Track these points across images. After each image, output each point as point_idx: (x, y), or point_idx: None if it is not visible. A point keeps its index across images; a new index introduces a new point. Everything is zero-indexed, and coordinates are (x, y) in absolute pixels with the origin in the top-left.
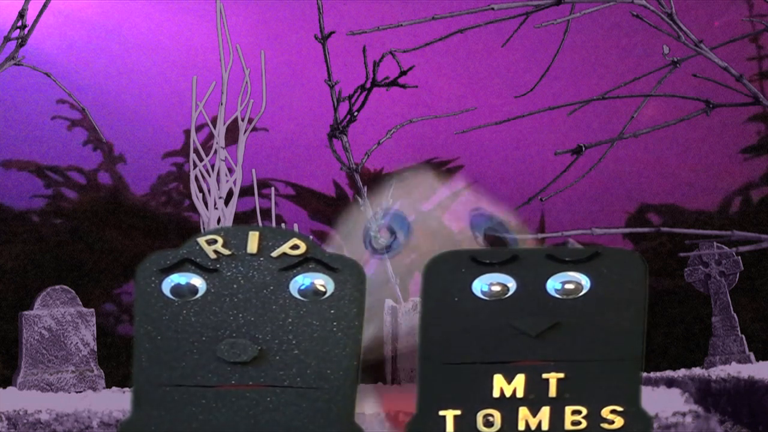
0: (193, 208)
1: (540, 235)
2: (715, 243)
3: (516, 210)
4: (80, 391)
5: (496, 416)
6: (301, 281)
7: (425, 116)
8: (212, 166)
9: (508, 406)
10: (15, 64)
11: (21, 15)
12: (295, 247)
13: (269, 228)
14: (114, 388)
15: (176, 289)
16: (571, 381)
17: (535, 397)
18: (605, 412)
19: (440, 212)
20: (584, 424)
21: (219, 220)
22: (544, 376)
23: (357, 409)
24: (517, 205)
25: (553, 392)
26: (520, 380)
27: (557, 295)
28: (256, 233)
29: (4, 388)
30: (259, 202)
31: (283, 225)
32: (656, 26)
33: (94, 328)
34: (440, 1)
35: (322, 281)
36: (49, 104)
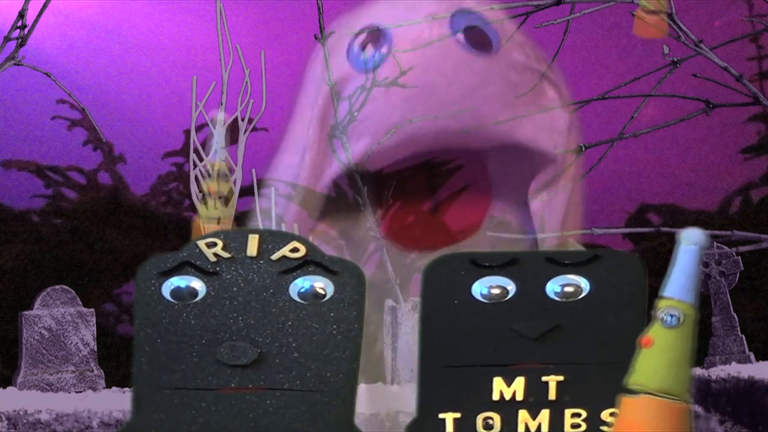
0: (193, 208)
1: (540, 236)
2: (715, 243)
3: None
4: (80, 391)
5: (496, 419)
6: (300, 284)
7: (425, 116)
8: (212, 167)
9: (508, 408)
10: (15, 64)
11: (21, 15)
12: (294, 250)
13: (269, 231)
14: (114, 388)
15: (176, 292)
16: (571, 384)
17: (534, 400)
18: (605, 414)
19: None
20: (584, 426)
21: (219, 221)
22: (544, 378)
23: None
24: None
25: (552, 395)
26: (519, 383)
27: (557, 298)
28: (256, 236)
29: (4, 388)
30: (259, 202)
31: (283, 225)
32: (656, 26)
33: (94, 328)
34: (440, 1)
35: (321, 284)
36: (49, 104)
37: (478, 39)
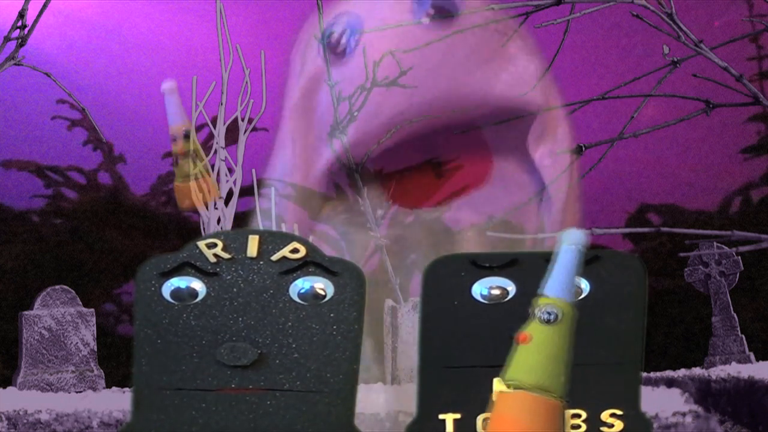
0: (192, 208)
1: (540, 236)
2: (715, 243)
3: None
4: (80, 391)
5: None
6: (300, 285)
7: (425, 116)
8: (212, 166)
9: None
10: (15, 64)
11: (21, 15)
12: (294, 250)
13: (269, 231)
14: (114, 388)
15: (176, 293)
16: (571, 384)
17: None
18: (605, 415)
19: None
20: (584, 427)
21: (219, 220)
22: None
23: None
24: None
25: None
26: None
27: None
28: (256, 237)
29: (4, 388)
30: (259, 202)
31: (283, 225)
32: (656, 26)
33: (94, 328)
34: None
35: (321, 285)
36: (49, 104)
37: (442, 10)
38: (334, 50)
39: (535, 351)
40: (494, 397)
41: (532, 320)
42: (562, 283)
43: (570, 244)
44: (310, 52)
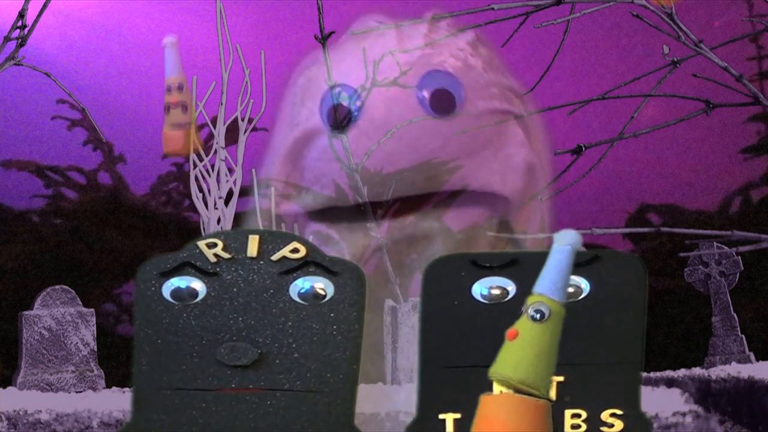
0: (193, 208)
1: (540, 236)
2: (715, 243)
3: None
4: (80, 391)
5: None
6: (301, 285)
7: (425, 116)
8: (212, 166)
9: None
10: (15, 64)
11: (21, 15)
12: (295, 250)
13: (269, 231)
14: (114, 388)
15: (176, 293)
16: (571, 384)
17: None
18: (605, 415)
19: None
20: (584, 427)
21: (219, 220)
22: None
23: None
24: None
25: (552, 395)
26: None
27: None
28: (256, 237)
29: (4, 388)
30: (259, 202)
31: (283, 225)
32: (656, 26)
33: (94, 328)
34: (440, 1)
35: (321, 285)
36: (49, 104)
37: (442, 100)
38: (342, 122)
39: (522, 347)
40: (480, 399)
41: (522, 317)
42: (553, 282)
43: (563, 243)
44: (308, 104)
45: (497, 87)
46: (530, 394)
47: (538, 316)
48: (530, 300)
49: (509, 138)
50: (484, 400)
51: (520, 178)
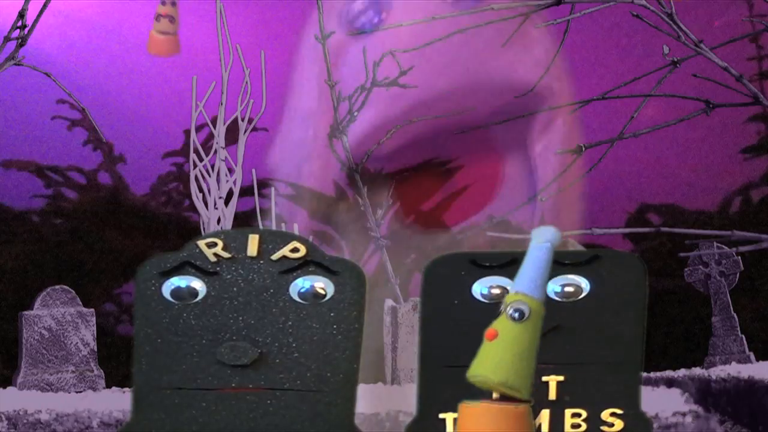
0: (193, 208)
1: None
2: (715, 243)
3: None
4: (80, 391)
5: None
6: (301, 284)
7: (425, 116)
8: (212, 166)
9: None
10: (15, 64)
11: (21, 15)
12: (295, 250)
13: (269, 231)
14: (114, 388)
15: (176, 292)
16: (571, 384)
17: (534, 400)
18: (605, 415)
19: None
20: (584, 427)
21: (219, 220)
22: (544, 378)
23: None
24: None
25: (552, 395)
26: None
27: (557, 298)
28: (256, 236)
29: (4, 388)
30: (259, 202)
31: (283, 225)
32: (656, 26)
33: (94, 328)
34: (440, 0)
35: (322, 284)
36: (49, 104)
37: None
38: (352, 24)
39: (502, 347)
40: (459, 407)
41: (501, 316)
42: (532, 280)
43: (542, 241)
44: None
45: None
46: (511, 396)
47: (517, 315)
48: (509, 299)
49: (539, 33)
50: (463, 410)
51: (554, 75)
